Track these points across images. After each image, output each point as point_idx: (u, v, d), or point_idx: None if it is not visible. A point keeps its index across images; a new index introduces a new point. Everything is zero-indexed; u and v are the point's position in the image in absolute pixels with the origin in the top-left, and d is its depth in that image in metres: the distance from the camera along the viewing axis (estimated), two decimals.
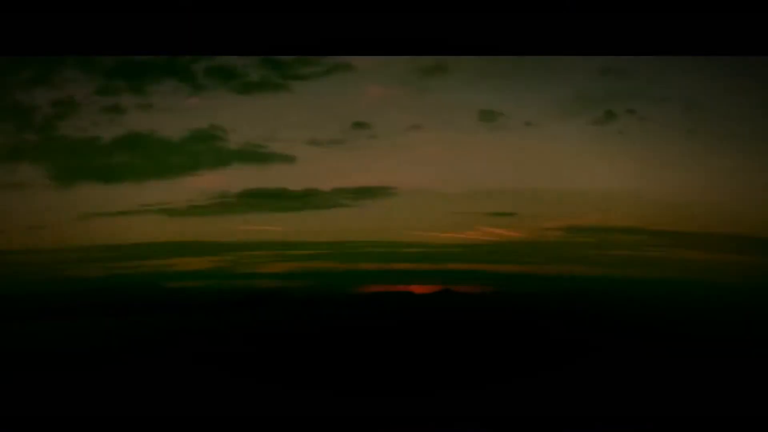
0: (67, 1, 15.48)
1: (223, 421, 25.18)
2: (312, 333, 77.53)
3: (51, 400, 30.68)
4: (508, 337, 64.81)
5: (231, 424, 24.86)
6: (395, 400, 27.80)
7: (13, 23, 15.75)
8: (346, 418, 24.73)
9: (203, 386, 33.97)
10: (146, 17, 16.00)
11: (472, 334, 65.65)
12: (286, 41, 17.10)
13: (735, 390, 29.15)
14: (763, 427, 22.86)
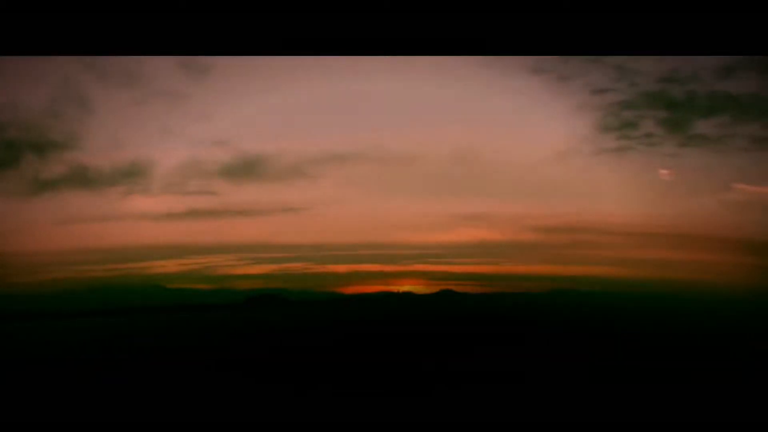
0: (66, 0, 15.43)
1: (221, 425, 25.12)
2: (299, 332, 77.71)
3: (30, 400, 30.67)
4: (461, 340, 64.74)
5: (229, 426, 24.80)
6: (390, 400, 27.79)
7: (13, 23, 15.70)
8: (343, 419, 24.70)
9: (198, 387, 33.95)
10: (146, 17, 15.96)
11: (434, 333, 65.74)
12: (286, 41, 17.06)
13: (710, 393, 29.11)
14: None
